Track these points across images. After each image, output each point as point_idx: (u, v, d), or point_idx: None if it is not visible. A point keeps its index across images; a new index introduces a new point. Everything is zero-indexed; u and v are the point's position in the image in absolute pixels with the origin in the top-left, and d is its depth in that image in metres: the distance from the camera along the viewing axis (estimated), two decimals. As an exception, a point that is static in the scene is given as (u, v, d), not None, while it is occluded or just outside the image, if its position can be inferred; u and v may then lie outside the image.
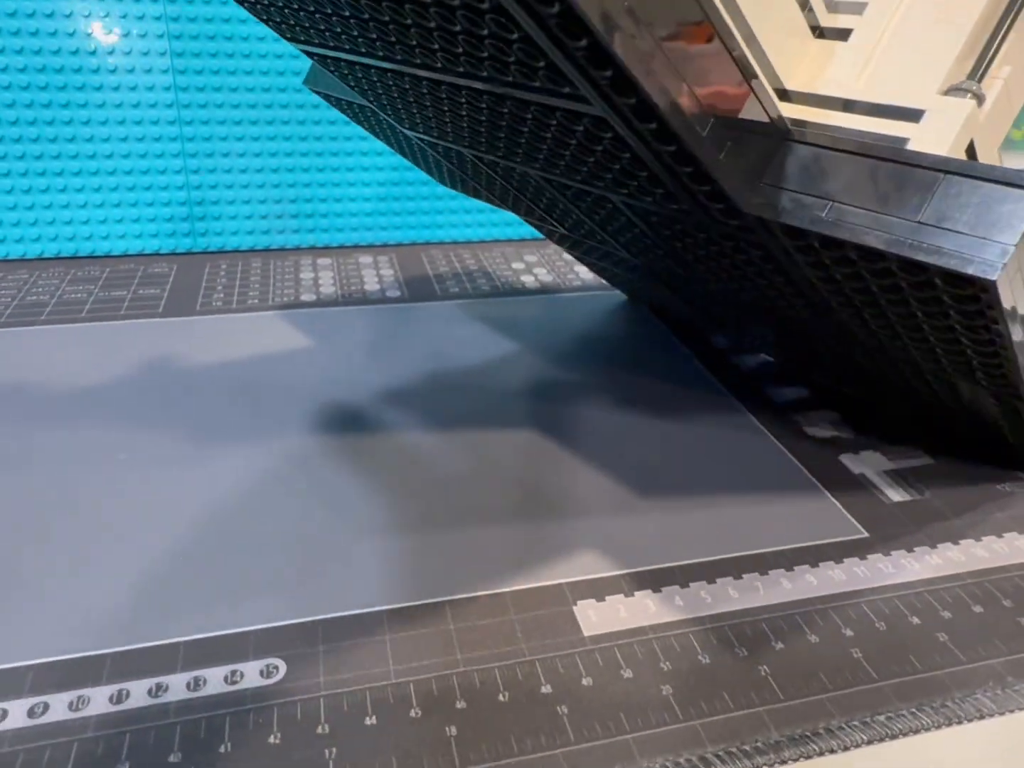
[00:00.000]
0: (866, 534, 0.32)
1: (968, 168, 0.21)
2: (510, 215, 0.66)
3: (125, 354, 0.43)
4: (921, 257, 0.21)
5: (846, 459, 0.37)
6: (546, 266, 0.61)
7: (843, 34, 0.27)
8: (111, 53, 0.53)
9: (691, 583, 0.29)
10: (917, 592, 0.29)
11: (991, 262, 0.20)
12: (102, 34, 0.53)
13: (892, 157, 0.22)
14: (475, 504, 0.33)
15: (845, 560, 0.30)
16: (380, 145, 0.61)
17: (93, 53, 0.53)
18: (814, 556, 0.30)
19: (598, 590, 0.28)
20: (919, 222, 0.21)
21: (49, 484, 0.33)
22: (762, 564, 0.30)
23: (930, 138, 0.24)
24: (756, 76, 0.22)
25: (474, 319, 0.50)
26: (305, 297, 0.52)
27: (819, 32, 0.27)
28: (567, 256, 0.63)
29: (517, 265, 0.61)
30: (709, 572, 0.29)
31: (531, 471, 0.35)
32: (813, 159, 0.23)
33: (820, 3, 0.27)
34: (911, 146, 0.24)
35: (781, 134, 0.23)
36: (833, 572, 0.30)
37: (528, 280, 0.57)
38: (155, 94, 0.55)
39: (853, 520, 0.32)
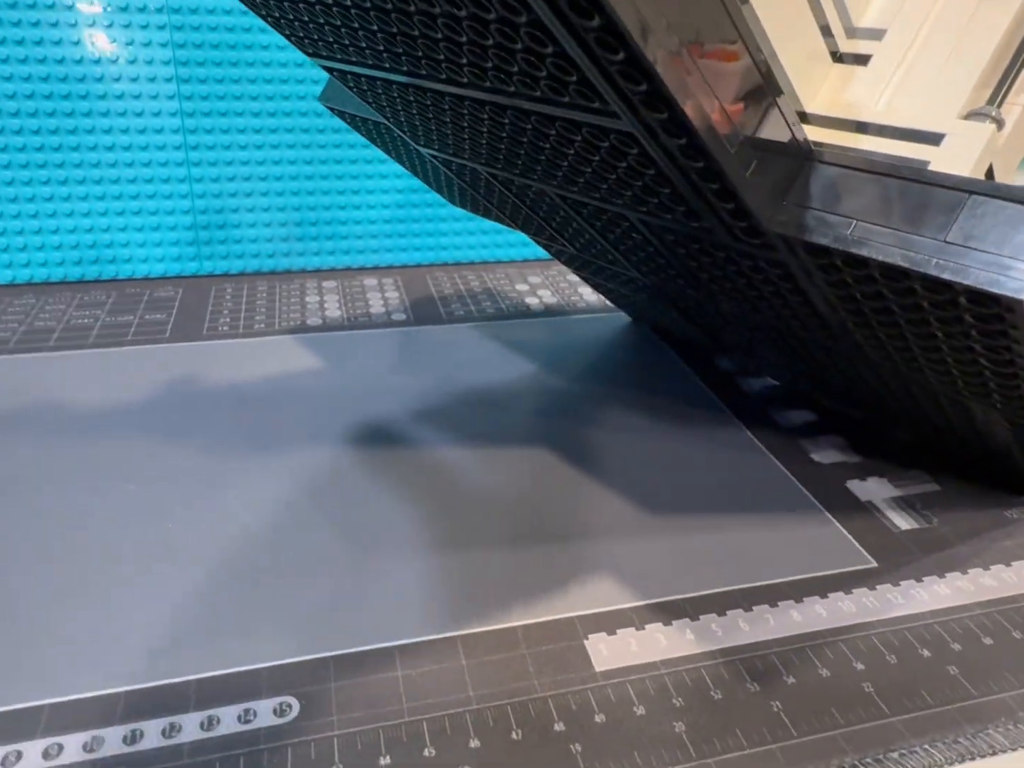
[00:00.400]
0: (875, 563, 0.32)
1: (993, 188, 0.21)
2: (514, 236, 0.67)
3: (133, 381, 0.43)
4: (947, 276, 0.21)
5: (853, 485, 0.37)
6: (550, 287, 0.61)
7: (862, 59, 0.28)
8: (117, 79, 0.54)
9: (701, 615, 0.29)
10: (927, 624, 0.29)
11: (1019, 281, 0.20)
12: (108, 60, 0.53)
13: (917, 177, 0.22)
14: (484, 532, 0.33)
15: (854, 591, 0.30)
16: (384, 168, 0.61)
17: (100, 80, 0.54)
18: (823, 587, 0.30)
19: (609, 623, 0.28)
20: (945, 241, 0.21)
21: (57, 515, 0.33)
22: (772, 595, 0.30)
23: (951, 161, 0.25)
24: (782, 96, 0.22)
25: (479, 343, 0.50)
26: (311, 321, 0.52)
27: (838, 57, 0.28)
28: (571, 277, 0.63)
29: (521, 287, 0.61)
30: (719, 604, 0.29)
31: (539, 497, 0.35)
32: (837, 179, 0.23)
33: (840, 29, 0.28)
34: (932, 168, 0.25)
35: (805, 154, 0.23)
36: (843, 603, 0.30)
37: (532, 302, 0.58)
38: (161, 119, 0.56)
39: (862, 549, 0.33)
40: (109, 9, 0.52)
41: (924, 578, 0.31)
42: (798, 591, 0.30)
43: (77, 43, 0.52)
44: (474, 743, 0.24)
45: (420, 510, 0.34)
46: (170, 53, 0.54)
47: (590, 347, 0.51)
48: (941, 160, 0.25)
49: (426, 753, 0.23)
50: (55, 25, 0.52)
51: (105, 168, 0.56)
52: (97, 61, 0.53)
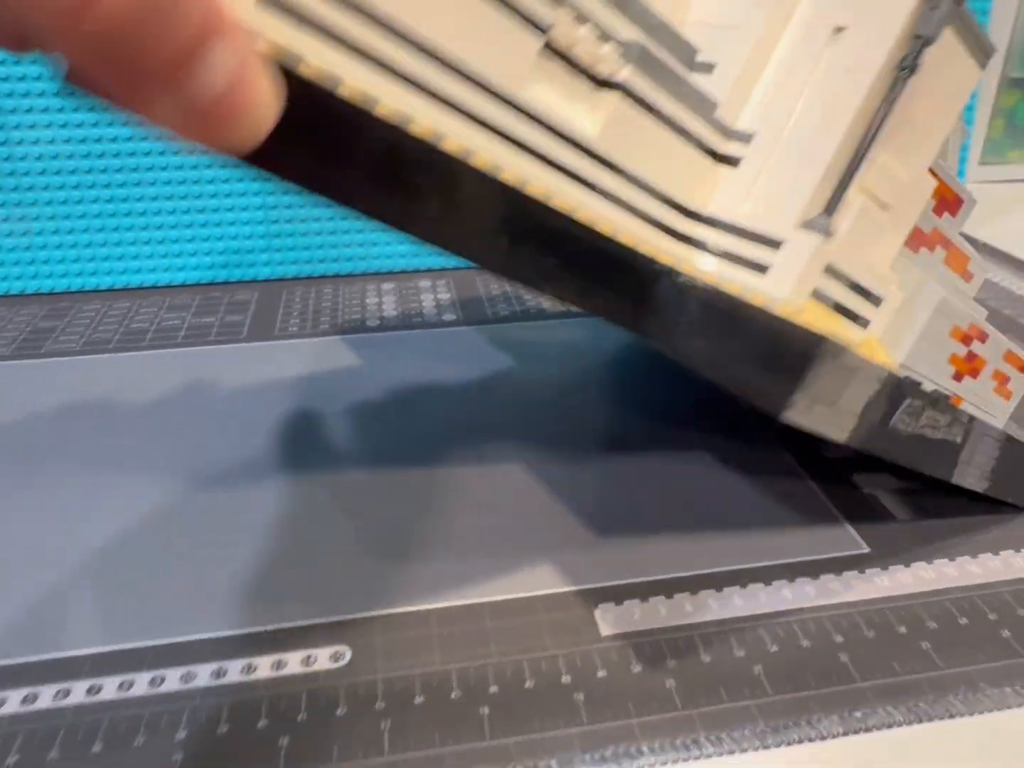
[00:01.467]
0: (867, 549, 0.35)
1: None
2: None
3: (216, 379, 0.49)
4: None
5: (858, 478, 0.40)
6: (592, 287, 0.65)
7: (733, 161, 0.29)
8: (200, 105, 0.60)
9: (700, 591, 0.33)
10: (908, 604, 0.32)
11: None
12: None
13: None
14: (523, 521, 0.37)
15: (844, 573, 0.33)
16: (438, 178, 0.66)
17: (185, 105, 0.60)
18: (816, 569, 0.34)
19: (617, 595, 0.32)
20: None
21: (147, 506, 0.39)
22: (767, 575, 0.33)
23: (785, 267, 0.27)
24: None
25: (520, 342, 0.54)
26: (370, 322, 0.58)
27: (717, 157, 0.29)
28: (613, 277, 0.66)
29: (565, 287, 0.65)
30: (717, 581, 0.33)
31: (570, 490, 0.39)
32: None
33: (717, 131, 0.29)
34: (772, 272, 0.27)
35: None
36: (832, 584, 0.33)
37: (574, 302, 0.62)
38: (238, 139, 0.62)
39: (857, 536, 0.36)
40: (192, 42, 0.58)
41: (912, 564, 0.34)
42: (791, 572, 0.34)
43: (165, 73, 0.59)
44: (493, 688, 0.28)
45: (458, 505, 0.39)
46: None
47: (628, 349, 0.55)
48: (778, 265, 0.27)
49: (453, 696, 0.28)
50: (146, 59, 0.58)
51: (190, 185, 0.62)
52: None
